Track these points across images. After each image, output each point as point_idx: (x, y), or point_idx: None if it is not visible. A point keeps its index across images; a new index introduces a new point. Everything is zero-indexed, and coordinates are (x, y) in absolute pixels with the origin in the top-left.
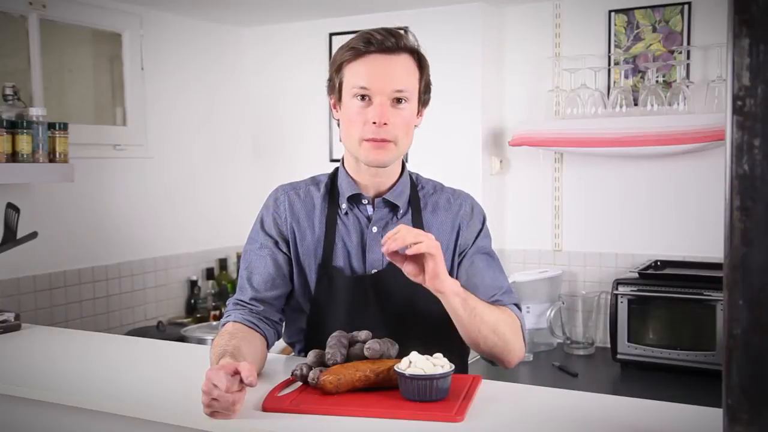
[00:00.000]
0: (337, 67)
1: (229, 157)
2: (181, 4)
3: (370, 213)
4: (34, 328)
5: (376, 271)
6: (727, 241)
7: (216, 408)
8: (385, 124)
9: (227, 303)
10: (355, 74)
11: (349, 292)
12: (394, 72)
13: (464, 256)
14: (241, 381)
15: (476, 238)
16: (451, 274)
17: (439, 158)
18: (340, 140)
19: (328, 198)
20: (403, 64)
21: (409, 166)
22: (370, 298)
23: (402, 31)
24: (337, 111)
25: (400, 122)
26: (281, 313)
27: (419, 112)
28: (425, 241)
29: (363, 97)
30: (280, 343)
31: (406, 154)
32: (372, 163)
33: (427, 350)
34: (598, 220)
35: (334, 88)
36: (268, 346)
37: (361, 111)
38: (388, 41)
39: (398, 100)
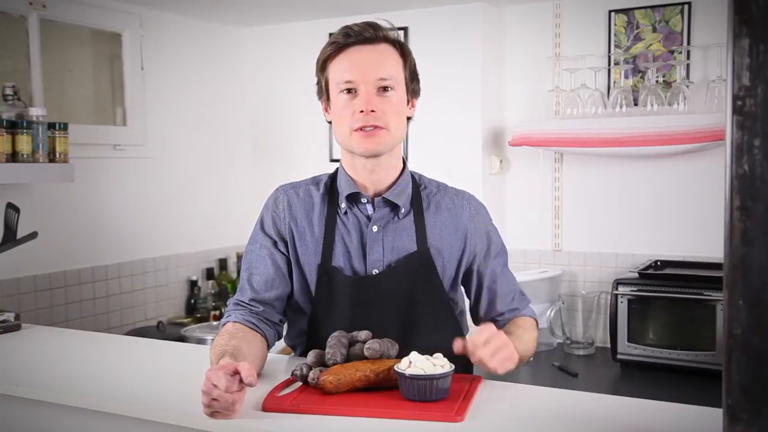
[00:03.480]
0: (321, 66)
1: (229, 157)
2: (181, 4)
3: (370, 212)
4: (34, 328)
5: (377, 272)
6: (727, 241)
7: (216, 408)
8: (372, 111)
9: (228, 303)
10: (339, 69)
11: (350, 293)
12: (377, 61)
13: (486, 267)
14: (241, 381)
15: (490, 244)
16: (456, 276)
17: (439, 158)
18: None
19: (327, 197)
20: (385, 53)
21: (409, 166)
22: (371, 300)
23: (380, 22)
24: (327, 113)
25: (388, 109)
26: (282, 314)
27: (410, 103)
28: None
29: (349, 90)
30: (280, 344)
31: (406, 154)
32: (365, 152)
33: (429, 351)
34: (598, 220)
35: (322, 90)
36: (269, 347)
37: (348, 104)
38: (367, 32)
39: (384, 89)
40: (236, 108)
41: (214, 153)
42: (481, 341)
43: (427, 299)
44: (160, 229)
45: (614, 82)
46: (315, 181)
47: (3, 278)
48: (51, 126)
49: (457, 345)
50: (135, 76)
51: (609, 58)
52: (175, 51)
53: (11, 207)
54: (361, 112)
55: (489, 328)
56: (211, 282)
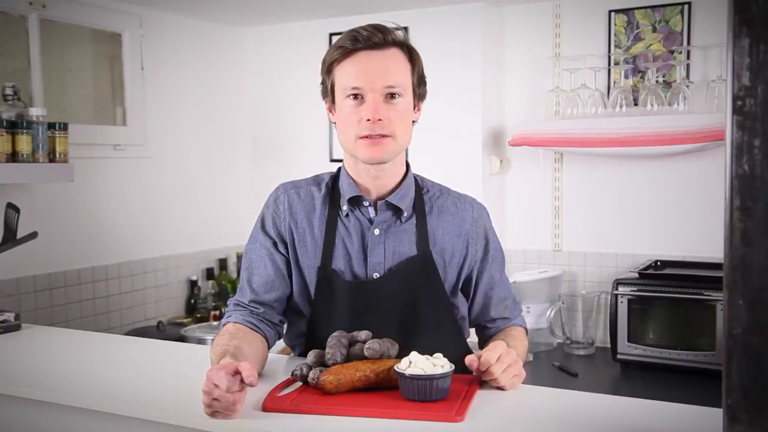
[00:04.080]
0: (327, 68)
1: (229, 158)
2: (181, 4)
3: (371, 215)
4: (34, 328)
5: (378, 276)
6: (727, 241)
7: (216, 408)
8: (379, 120)
9: (228, 303)
10: (345, 74)
11: (350, 297)
12: (385, 68)
13: (483, 270)
14: (242, 381)
15: (489, 248)
16: (457, 281)
17: (439, 158)
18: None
19: (329, 199)
20: (393, 58)
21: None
22: (371, 304)
23: (389, 25)
24: (332, 114)
25: (395, 117)
26: (282, 315)
27: (416, 107)
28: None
29: (356, 96)
30: (280, 344)
31: (406, 154)
32: (370, 160)
33: (432, 350)
34: (598, 220)
35: (327, 91)
36: (269, 347)
37: (355, 110)
38: (376, 37)
39: (392, 96)
40: (236, 108)
41: (214, 153)
42: (494, 358)
43: (428, 303)
44: (159, 229)
45: (614, 82)
46: (316, 181)
47: (3, 278)
48: (51, 126)
49: (470, 362)
50: (135, 76)
51: (609, 58)
52: (175, 51)
53: (11, 207)
54: (368, 120)
55: (500, 345)
56: (211, 282)
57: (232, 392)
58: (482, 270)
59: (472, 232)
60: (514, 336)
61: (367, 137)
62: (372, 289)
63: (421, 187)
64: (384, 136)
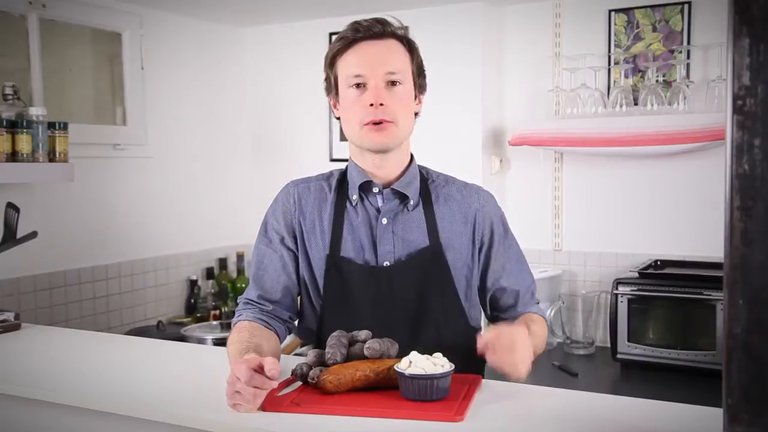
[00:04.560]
0: (330, 62)
1: (229, 157)
2: (181, 4)
3: (379, 204)
4: (34, 328)
5: (388, 264)
6: (727, 241)
7: (238, 400)
8: (381, 104)
9: (238, 300)
10: (348, 64)
11: (360, 283)
12: (385, 55)
13: (491, 257)
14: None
15: (498, 236)
16: (466, 268)
17: (439, 158)
18: (341, 137)
19: (338, 190)
20: (392, 48)
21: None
22: (383, 290)
23: (389, 19)
24: (337, 109)
25: (396, 102)
26: (291, 311)
27: (417, 98)
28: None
29: (358, 85)
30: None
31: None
32: (375, 146)
33: (440, 341)
34: (598, 219)
35: (331, 86)
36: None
37: (358, 99)
38: (375, 27)
39: (393, 83)
40: (236, 108)
41: (214, 153)
42: (506, 343)
43: (438, 293)
44: (160, 228)
45: (614, 82)
46: (326, 176)
47: (3, 278)
48: (51, 125)
49: (482, 344)
50: (135, 76)
51: (609, 57)
52: (175, 51)
53: (11, 207)
54: (371, 105)
55: (521, 331)
56: (211, 282)
57: (252, 385)
58: (490, 257)
59: (478, 219)
60: (534, 320)
61: (371, 123)
62: (384, 276)
63: (426, 177)
64: (386, 121)
